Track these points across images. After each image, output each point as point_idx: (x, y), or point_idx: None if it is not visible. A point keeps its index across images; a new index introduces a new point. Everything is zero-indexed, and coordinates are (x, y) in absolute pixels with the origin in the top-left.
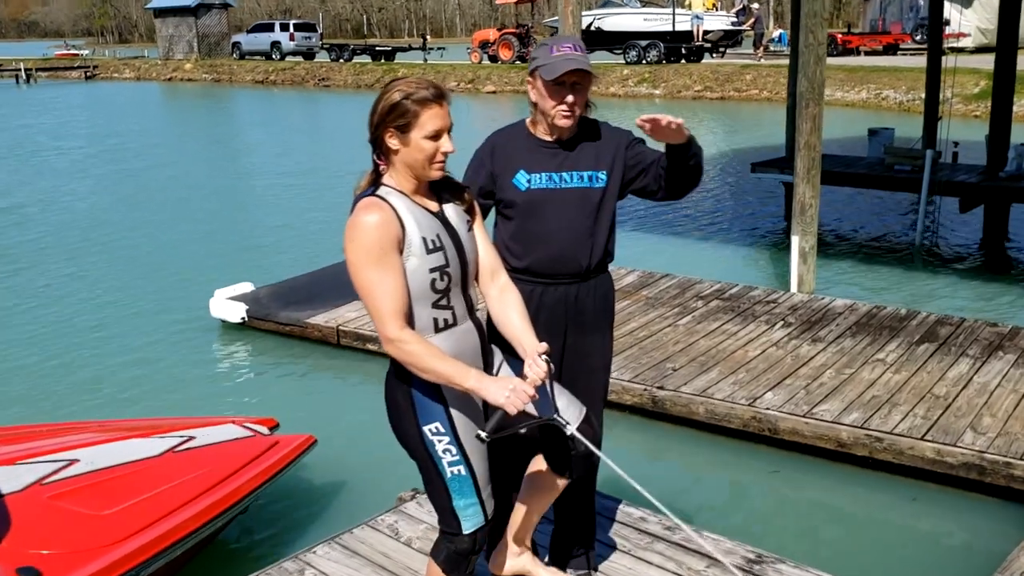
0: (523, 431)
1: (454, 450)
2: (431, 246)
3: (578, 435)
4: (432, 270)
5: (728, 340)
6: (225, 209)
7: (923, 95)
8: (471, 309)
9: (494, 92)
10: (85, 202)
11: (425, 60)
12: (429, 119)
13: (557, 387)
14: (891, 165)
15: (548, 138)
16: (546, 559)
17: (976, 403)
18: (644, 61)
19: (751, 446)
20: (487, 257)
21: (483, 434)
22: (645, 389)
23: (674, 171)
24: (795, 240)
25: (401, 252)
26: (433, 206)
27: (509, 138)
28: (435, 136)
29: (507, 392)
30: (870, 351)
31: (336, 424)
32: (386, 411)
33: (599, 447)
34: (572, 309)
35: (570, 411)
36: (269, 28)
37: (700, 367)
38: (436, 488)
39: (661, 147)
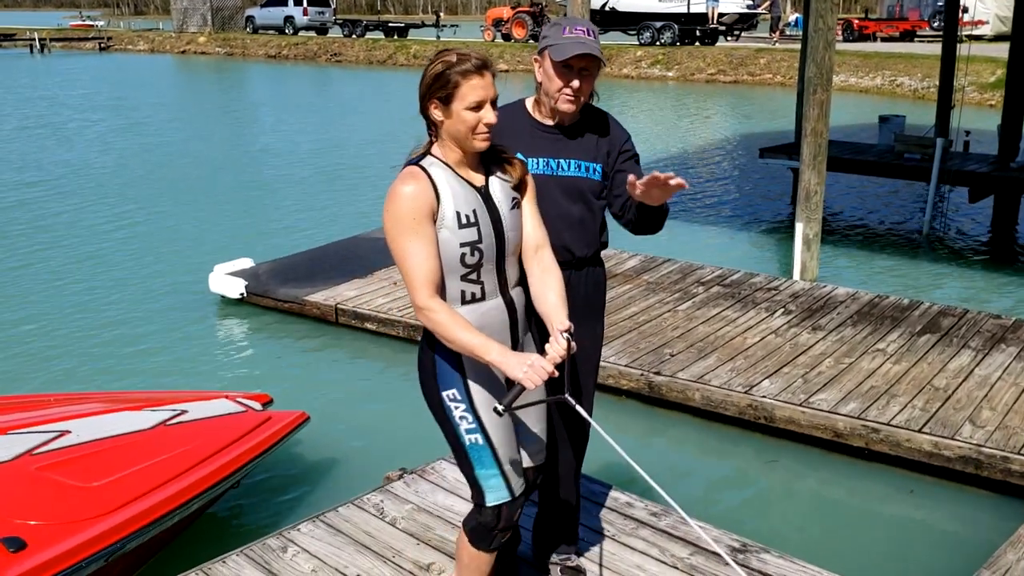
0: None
1: (470, 418)
2: (464, 221)
3: (583, 413)
4: (463, 244)
5: (727, 327)
6: (230, 185)
7: (938, 83)
8: (504, 286)
9: (506, 71)
10: (89, 175)
11: (438, 37)
12: (471, 90)
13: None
14: (901, 153)
15: (549, 122)
16: (529, 542)
17: (976, 396)
18: (658, 43)
19: (746, 434)
20: (533, 234)
21: (500, 407)
22: (642, 374)
23: (643, 217)
24: (799, 227)
25: (435, 223)
26: (478, 180)
27: (510, 118)
28: (477, 107)
29: (525, 367)
30: (870, 341)
31: (330, 402)
32: (417, 371)
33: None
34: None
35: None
36: (283, 2)
37: (698, 353)
38: (459, 455)
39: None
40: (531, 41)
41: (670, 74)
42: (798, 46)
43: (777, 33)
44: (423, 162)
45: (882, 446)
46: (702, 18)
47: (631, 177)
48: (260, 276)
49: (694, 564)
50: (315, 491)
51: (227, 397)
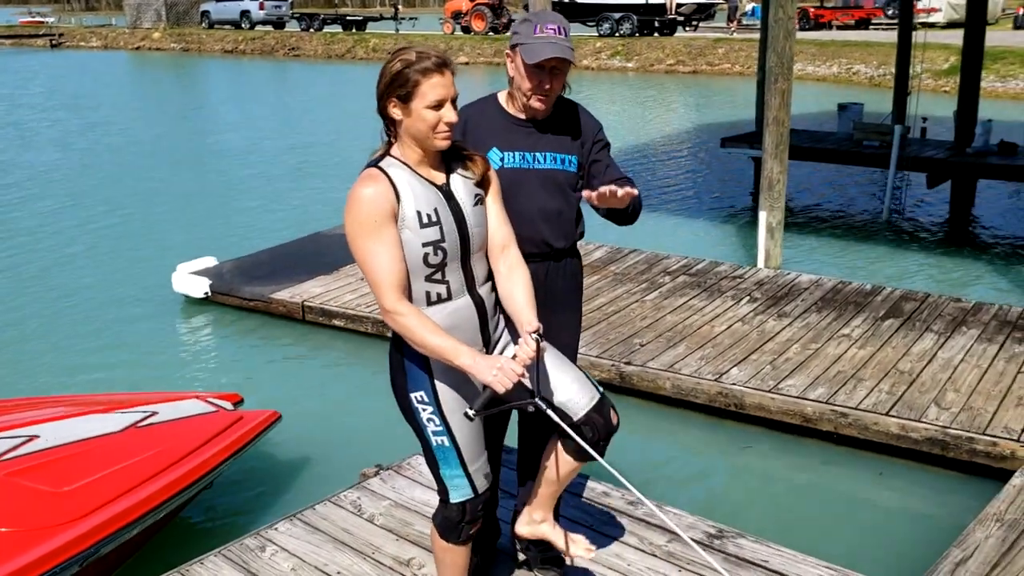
0: (507, 409)
1: (437, 420)
2: (425, 220)
3: (552, 415)
4: (425, 244)
5: (694, 316)
6: (190, 183)
7: (894, 70)
8: (471, 284)
9: (467, 63)
10: (48, 176)
11: (397, 31)
12: (431, 88)
13: (573, 372)
14: (860, 141)
15: (523, 115)
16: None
17: (940, 378)
18: (617, 34)
19: (717, 421)
20: (498, 231)
21: (471, 411)
22: (613, 364)
23: (614, 215)
24: (762, 215)
25: (396, 224)
26: (438, 178)
27: (482, 113)
28: (437, 106)
29: (495, 371)
30: (836, 326)
31: (301, 400)
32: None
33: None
34: (542, 288)
35: (582, 395)
36: None
37: (667, 342)
38: (426, 454)
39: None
40: (491, 33)
41: (630, 65)
42: (755, 36)
43: (734, 23)
44: (382, 163)
45: (851, 430)
46: (660, 9)
47: (585, 193)
48: (224, 275)
49: (671, 551)
50: (289, 490)
51: (197, 397)
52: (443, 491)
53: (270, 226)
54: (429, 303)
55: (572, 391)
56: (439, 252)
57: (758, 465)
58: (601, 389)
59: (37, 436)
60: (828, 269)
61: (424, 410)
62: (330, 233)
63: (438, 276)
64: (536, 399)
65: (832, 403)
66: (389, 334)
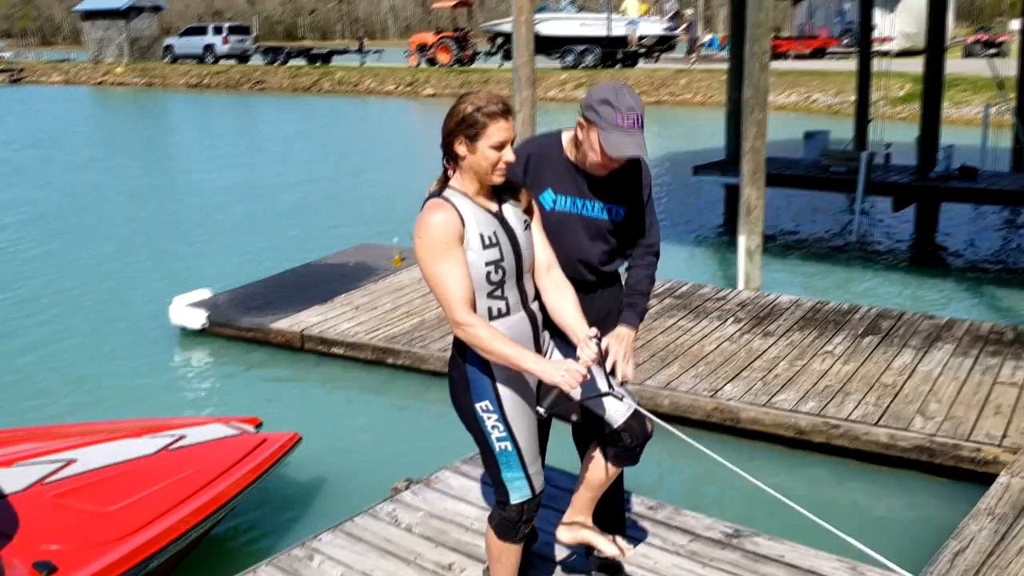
0: (577, 406)
1: (501, 427)
2: (487, 242)
3: (640, 408)
4: (488, 263)
5: (684, 336)
6: (168, 218)
7: (851, 98)
8: (525, 300)
9: (433, 95)
10: (29, 216)
11: (362, 63)
12: (496, 131)
13: (623, 387)
14: (827, 167)
15: (581, 164)
16: (545, 540)
17: (922, 390)
18: (581, 65)
19: (714, 436)
20: (543, 253)
21: (541, 410)
22: None
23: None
24: (742, 239)
25: (462, 246)
26: (493, 206)
27: (544, 152)
28: (500, 147)
29: (562, 372)
30: (819, 343)
31: (311, 424)
32: (448, 386)
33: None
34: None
35: (620, 405)
36: (202, 31)
37: (661, 362)
38: (488, 460)
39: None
40: (456, 66)
41: None
42: (714, 66)
43: (694, 54)
44: (445, 193)
45: (842, 440)
46: (622, 41)
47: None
48: (220, 306)
49: (694, 550)
50: (311, 508)
51: (220, 421)
52: (503, 494)
53: (259, 258)
54: (491, 318)
55: (611, 402)
56: (499, 270)
57: (756, 476)
58: (637, 399)
59: (75, 460)
60: (804, 290)
61: (489, 418)
62: (320, 263)
63: (498, 293)
64: (612, 391)
65: (823, 415)
66: (389, 360)
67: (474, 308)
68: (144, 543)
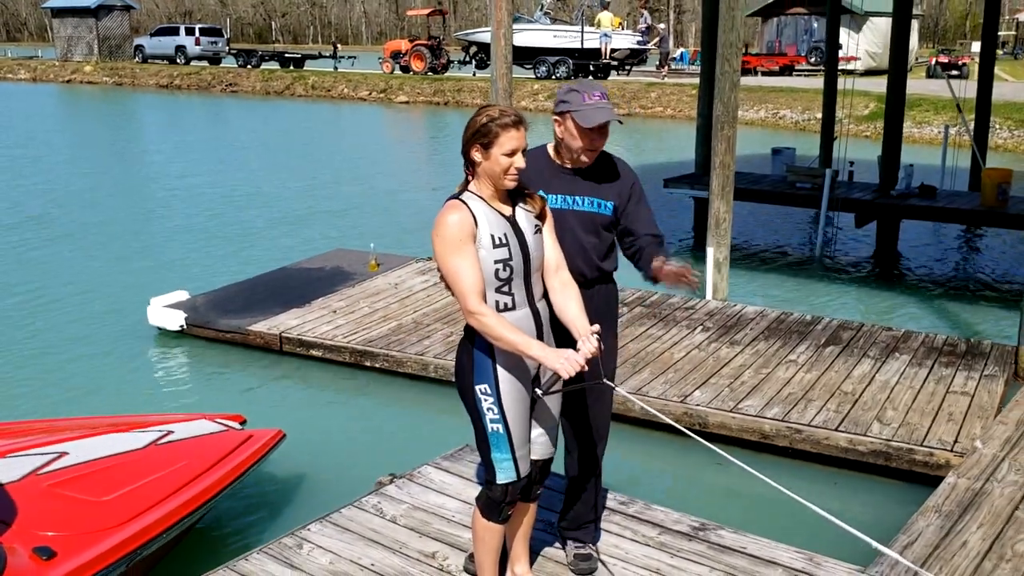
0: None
1: (496, 410)
2: (497, 242)
3: (626, 394)
4: (497, 261)
5: (655, 343)
6: (146, 222)
7: (818, 115)
8: (531, 298)
9: (407, 102)
10: (1, 213)
11: (335, 68)
12: (507, 140)
13: (556, 424)
14: (793, 183)
15: (568, 165)
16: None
17: (879, 398)
18: (554, 76)
19: (682, 440)
20: (552, 255)
21: (539, 391)
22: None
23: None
24: (710, 251)
25: (475, 243)
26: (506, 210)
27: (534, 161)
28: (511, 154)
29: (563, 359)
30: (783, 352)
31: (289, 424)
32: (455, 369)
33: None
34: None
35: (548, 443)
36: (174, 32)
37: (632, 368)
38: (480, 439)
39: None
40: (429, 73)
41: None
42: (685, 80)
43: (665, 68)
44: (462, 196)
45: (804, 444)
46: (595, 53)
47: (657, 264)
48: (198, 308)
49: (663, 541)
50: (295, 503)
51: (206, 418)
52: (491, 473)
53: (235, 261)
54: (498, 311)
55: (548, 436)
56: (507, 268)
57: (723, 478)
58: (555, 448)
59: (67, 453)
60: (770, 301)
61: (486, 400)
62: (296, 267)
63: (506, 289)
64: (604, 379)
65: (787, 421)
66: (367, 363)
67: (485, 300)
68: (138, 531)
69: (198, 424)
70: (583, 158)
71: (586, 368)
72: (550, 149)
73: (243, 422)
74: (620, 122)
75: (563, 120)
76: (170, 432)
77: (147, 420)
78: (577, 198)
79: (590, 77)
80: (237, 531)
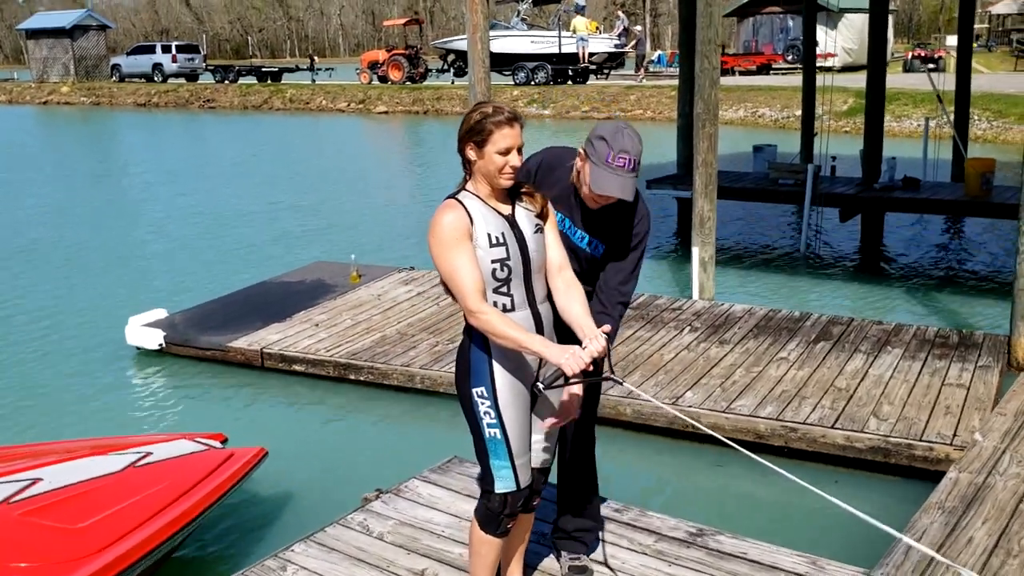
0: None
1: (493, 414)
2: (494, 241)
3: (633, 388)
4: (493, 261)
5: (643, 345)
6: (117, 238)
7: (796, 112)
8: (532, 299)
9: (386, 112)
10: None
11: (313, 81)
12: (501, 137)
13: (554, 438)
14: (776, 179)
15: (579, 191)
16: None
17: (874, 393)
18: (533, 82)
19: (675, 442)
20: (555, 256)
21: (540, 384)
22: None
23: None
24: (695, 251)
25: (471, 242)
26: (505, 209)
27: (554, 167)
28: (505, 152)
29: (567, 355)
30: (773, 350)
31: (273, 441)
32: (455, 372)
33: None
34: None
35: (545, 453)
36: (150, 50)
37: (621, 371)
38: (478, 446)
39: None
40: (408, 83)
41: (547, 112)
42: (662, 82)
43: (643, 71)
44: (459, 195)
45: (800, 443)
46: (573, 58)
47: (591, 333)
48: (177, 326)
49: (660, 549)
50: (279, 523)
51: (186, 438)
52: (489, 482)
53: (213, 278)
54: None
55: (547, 442)
56: (505, 268)
57: (718, 480)
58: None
59: (40, 479)
60: (757, 299)
61: (483, 404)
62: (275, 281)
63: (504, 289)
64: (608, 373)
65: (781, 419)
66: (351, 376)
67: (486, 298)
68: (115, 559)
69: (178, 444)
70: (589, 204)
71: (591, 368)
72: (577, 165)
73: (224, 441)
74: (628, 199)
75: (584, 161)
76: (149, 453)
77: (125, 442)
78: (574, 229)
79: (569, 82)
80: (218, 554)
